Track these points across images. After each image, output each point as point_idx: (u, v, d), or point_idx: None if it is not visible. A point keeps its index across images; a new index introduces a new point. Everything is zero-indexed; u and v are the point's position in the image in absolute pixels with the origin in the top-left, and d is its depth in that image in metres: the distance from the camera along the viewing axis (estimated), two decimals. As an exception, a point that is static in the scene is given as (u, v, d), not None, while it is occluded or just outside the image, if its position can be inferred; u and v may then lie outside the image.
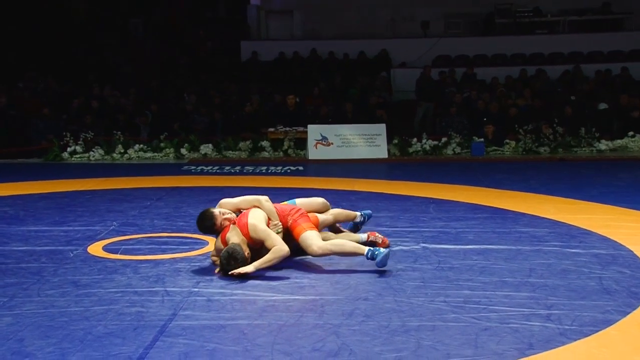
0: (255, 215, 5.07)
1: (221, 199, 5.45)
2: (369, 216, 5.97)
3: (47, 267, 5.16)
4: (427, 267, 5.16)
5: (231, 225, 5.05)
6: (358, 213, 5.90)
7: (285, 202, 5.64)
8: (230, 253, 4.82)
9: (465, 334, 3.81)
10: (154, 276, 4.93)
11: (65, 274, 4.99)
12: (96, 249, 5.75)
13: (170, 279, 4.86)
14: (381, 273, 4.97)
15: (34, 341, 3.72)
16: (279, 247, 4.87)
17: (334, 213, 5.72)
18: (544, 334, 3.81)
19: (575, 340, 3.73)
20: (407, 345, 3.66)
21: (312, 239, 5.07)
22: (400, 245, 5.79)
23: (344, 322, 4.00)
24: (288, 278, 4.89)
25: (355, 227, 5.94)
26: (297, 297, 4.48)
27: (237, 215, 5.18)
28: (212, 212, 5.13)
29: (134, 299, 4.41)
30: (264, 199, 5.28)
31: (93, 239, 6.09)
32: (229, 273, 4.78)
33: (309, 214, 5.38)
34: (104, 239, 6.08)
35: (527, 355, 3.53)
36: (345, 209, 6.05)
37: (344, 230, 5.86)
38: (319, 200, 5.76)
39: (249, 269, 4.78)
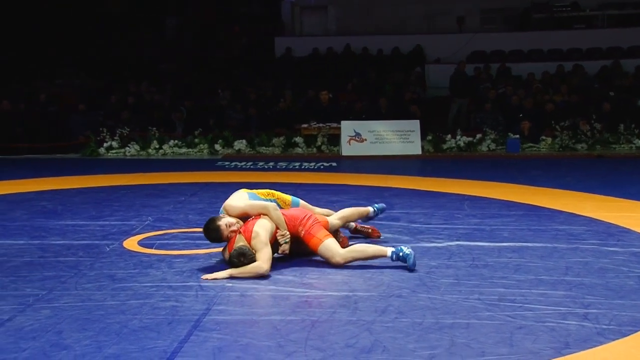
0: (262, 224, 4.97)
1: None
2: (382, 209, 5.89)
3: (84, 261, 5.25)
4: (461, 264, 5.12)
5: (237, 236, 4.99)
6: (370, 208, 5.81)
7: (289, 197, 5.58)
8: (239, 251, 4.83)
9: (500, 332, 3.77)
10: (188, 271, 4.97)
11: (101, 268, 5.07)
12: (131, 243, 5.82)
13: (204, 273, 4.90)
14: (415, 270, 4.93)
15: (71, 334, 3.78)
16: (259, 265, 4.76)
17: (344, 215, 5.61)
18: (580, 333, 3.75)
19: (613, 340, 3.66)
20: (441, 342, 3.63)
21: (333, 250, 5.02)
22: (434, 242, 5.75)
23: (377, 319, 3.98)
24: (321, 274, 4.90)
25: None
26: (330, 293, 4.48)
27: (244, 221, 5.09)
28: (218, 225, 4.99)
29: (168, 294, 4.46)
30: (272, 207, 5.12)
31: (128, 233, 6.17)
32: (202, 277, 4.75)
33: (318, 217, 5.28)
34: (139, 234, 6.15)
35: (563, 355, 3.48)
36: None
37: (368, 226, 5.82)
38: (322, 211, 5.67)
39: (221, 274, 4.75)
